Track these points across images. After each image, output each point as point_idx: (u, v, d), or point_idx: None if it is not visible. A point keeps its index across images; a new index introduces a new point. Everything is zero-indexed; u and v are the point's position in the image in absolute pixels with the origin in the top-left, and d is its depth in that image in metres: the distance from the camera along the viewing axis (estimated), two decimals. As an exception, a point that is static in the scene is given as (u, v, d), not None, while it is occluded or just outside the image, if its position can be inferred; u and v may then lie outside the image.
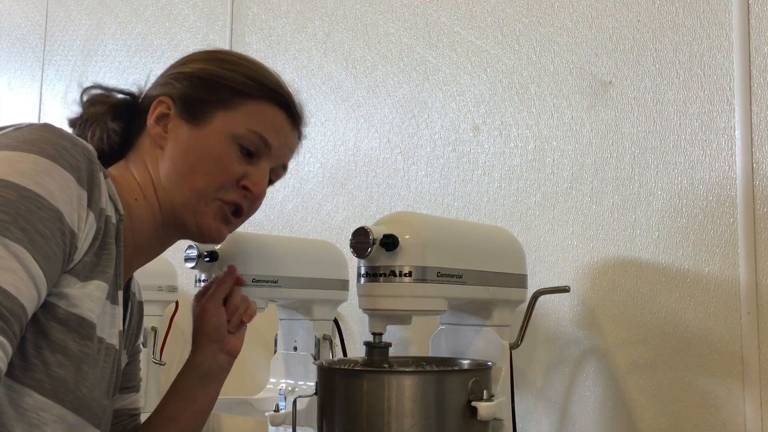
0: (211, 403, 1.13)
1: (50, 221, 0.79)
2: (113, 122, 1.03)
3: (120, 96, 1.07)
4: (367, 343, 1.14)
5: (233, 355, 1.14)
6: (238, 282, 1.19)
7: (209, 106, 1.01)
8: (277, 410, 1.34)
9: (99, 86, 1.07)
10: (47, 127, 0.86)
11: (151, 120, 1.01)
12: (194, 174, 0.99)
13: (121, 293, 0.94)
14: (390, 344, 1.15)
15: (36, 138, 0.83)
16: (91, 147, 0.89)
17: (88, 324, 0.85)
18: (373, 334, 1.13)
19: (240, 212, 1.03)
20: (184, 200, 0.99)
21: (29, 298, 0.77)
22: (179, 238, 1.06)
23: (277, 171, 1.09)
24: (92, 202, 0.85)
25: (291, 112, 1.07)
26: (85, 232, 0.84)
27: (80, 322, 0.85)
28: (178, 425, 1.09)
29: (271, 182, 1.09)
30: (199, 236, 1.03)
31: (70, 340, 0.84)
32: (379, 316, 1.12)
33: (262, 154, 1.03)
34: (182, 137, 1.00)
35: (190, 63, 1.05)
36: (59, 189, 0.81)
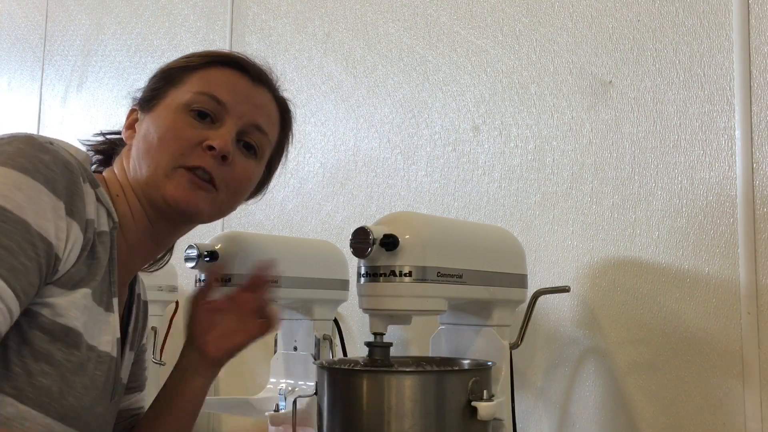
0: (192, 399, 1.09)
1: (15, 233, 0.78)
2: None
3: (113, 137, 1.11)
4: (368, 343, 1.13)
5: (204, 356, 1.09)
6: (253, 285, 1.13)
7: (161, 91, 1.02)
8: (277, 410, 1.34)
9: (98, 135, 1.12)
10: (29, 140, 0.85)
11: (124, 128, 1.05)
12: (151, 151, 0.98)
13: (116, 300, 0.93)
14: (391, 344, 1.15)
15: (13, 151, 0.83)
16: (74, 160, 0.88)
17: (73, 333, 0.85)
18: (374, 333, 1.12)
19: (212, 178, 0.99)
20: (147, 179, 0.97)
21: None
22: (171, 231, 1.04)
23: (252, 133, 1.03)
24: (74, 213, 0.84)
25: (243, 68, 1.04)
26: (70, 243, 0.84)
27: (65, 332, 0.84)
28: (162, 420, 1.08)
29: (253, 149, 1.04)
30: (173, 211, 0.98)
31: (55, 349, 0.83)
32: (379, 316, 1.12)
33: (220, 113, 1.00)
34: (143, 126, 1.02)
35: None
36: (28, 201, 0.80)
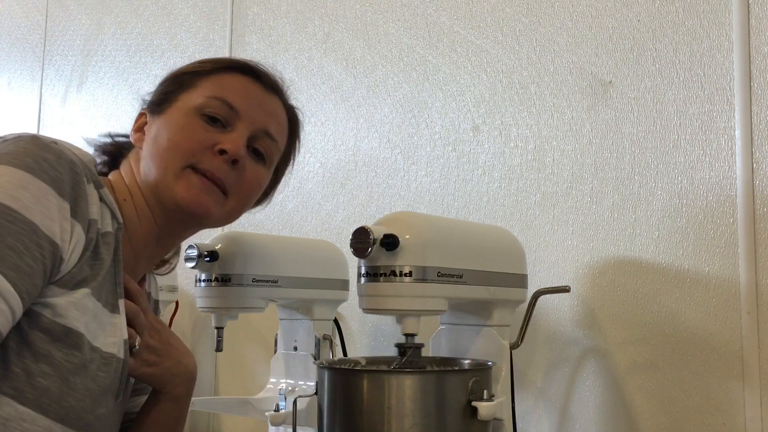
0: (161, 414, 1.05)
1: (23, 234, 0.78)
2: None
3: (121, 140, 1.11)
4: (398, 345, 1.13)
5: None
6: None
7: (173, 95, 1.03)
8: (277, 410, 1.34)
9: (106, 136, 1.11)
10: (33, 140, 0.85)
11: (132, 131, 1.05)
12: (161, 152, 0.98)
13: (122, 302, 0.93)
14: (423, 345, 1.14)
15: (19, 151, 0.83)
16: (78, 160, 0.88)
17: (74, 334, 0.85)
18: (406, 335, 1.12)
19: (223, 183, 0.99)
20: (157, 181, 0.98)
21: None
22: (178, 234, 1.04)
23: (262, 139, 1.04)
24: (78, 214, 0.84)
25: (256, 75, 1.05)
26: (72, 243, 0.84)
27: (65, 332, 0.84)
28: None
29: (262, 156, 1.05)
30: (183, 213, 0.98)
31: (55, 349, 0.83)
32: (410, 317, 1.11)
33: (231, 119, 1.01)
34: (153, 128, 1.02)
35: None
36: (35, 201, 0.80)
